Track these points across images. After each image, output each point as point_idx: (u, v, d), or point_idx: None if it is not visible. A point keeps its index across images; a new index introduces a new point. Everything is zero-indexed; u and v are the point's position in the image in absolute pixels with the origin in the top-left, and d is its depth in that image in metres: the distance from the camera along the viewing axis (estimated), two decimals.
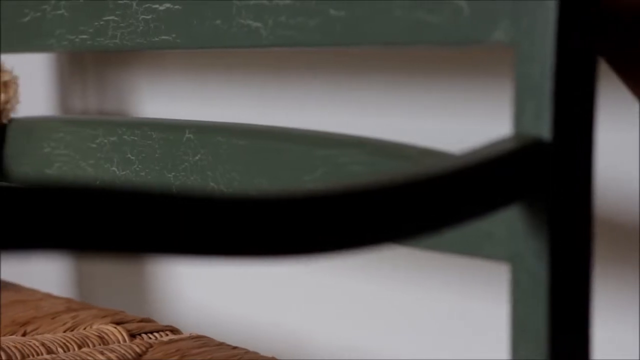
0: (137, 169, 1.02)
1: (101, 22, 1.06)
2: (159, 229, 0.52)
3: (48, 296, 1.16)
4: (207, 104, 1.23)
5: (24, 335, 1.03)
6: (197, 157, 0.95)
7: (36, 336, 1.01)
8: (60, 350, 0.97)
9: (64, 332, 1.03)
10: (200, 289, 1.32)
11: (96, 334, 1.00)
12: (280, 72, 1.14)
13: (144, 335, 1.01)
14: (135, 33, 1.01)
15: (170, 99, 1.26)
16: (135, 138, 1.02)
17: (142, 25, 1.01)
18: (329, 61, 1.05)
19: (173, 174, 0.98)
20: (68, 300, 1.15)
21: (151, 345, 0.96)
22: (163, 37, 0.98)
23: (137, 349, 0.95)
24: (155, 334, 1.01)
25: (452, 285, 1.03)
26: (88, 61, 1.37)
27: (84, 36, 1.09)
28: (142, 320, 1.04)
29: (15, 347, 0.95)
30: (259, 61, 1.18)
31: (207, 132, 0.95)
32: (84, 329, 1.03)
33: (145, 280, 1.36)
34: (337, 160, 0.83)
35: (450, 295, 1.05)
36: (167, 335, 1.01)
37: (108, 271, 1.44)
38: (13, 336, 1.02)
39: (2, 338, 1.01)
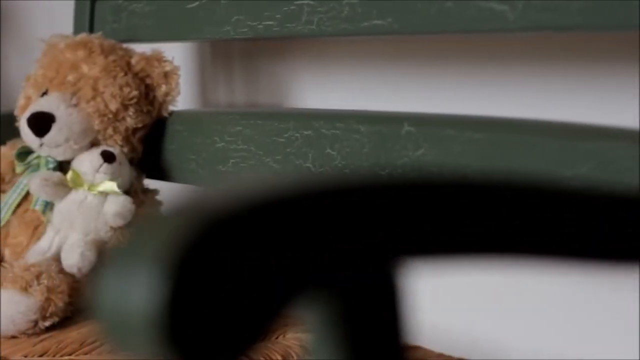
0: (340, 165, 0.94)
1: (292, 7, 0.99)
2: None
3: None
4: (372, 96, 1.15)
5: None
6: (419, 152, 0.88)
7: None
8: None
9: None
10: None
11: (298, 344, 0.93)
12: (465, 60, 1.06)
13: None
14: (338, 18, 0.94)
15: (333, 90, 1.18)
16: (337, 132, 0.95)
17: (347, 10, 0.93)
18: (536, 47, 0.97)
19: (387, 170, 0.90)
20: None
21: None
22: (375, 22, 0.90)
23: None
24: None
25: None
26: (235, 51, 1.29)
27: (270, 22, 1.01)
28: None
29: None
30: (431, 48, 1.10)
31: (432, 125, 0.87)
32: (276, 338, 0.96)
33: None
34: (607, 154, 0.75)
35: None
36: None
37: None
38: None
39: None
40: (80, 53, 1.13)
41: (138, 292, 0.33)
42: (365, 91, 1.15)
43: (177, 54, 1.33)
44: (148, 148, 1.14)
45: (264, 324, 0.35)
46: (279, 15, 1.00)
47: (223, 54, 1.31)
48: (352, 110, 0.98)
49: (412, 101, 1.11)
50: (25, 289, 1.01)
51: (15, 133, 1.19)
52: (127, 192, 1.10)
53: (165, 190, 1.15)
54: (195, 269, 0.33)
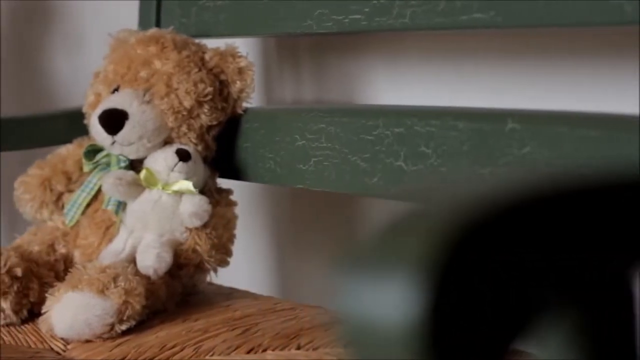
0: (435, 163, 0.91)
1: (382, 0, 0.95)
2: None
3: (298, 305, 1.05)
4: (450, 92, 1.12)
5: (298, 349, 0.92)
6: (524, 150, 0.84)
7: (323, 350, 0.90)
8: None
9: None
10: None
11: None
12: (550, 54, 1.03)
13: None
14: (434, 12, 0.90)
15: (406, 87, 1.15)
16: (433, 129, 0.91)
17: (444, 3, 0.90)
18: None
19: (489, 169, 0.87)
20: (324, 309, 1.03)
21: None
22: (476, 15, 0.87)
23: None
24: None
25: None
26: (301, 46, 1.26)
27: (357, 16, 0.98)
28: None
29: None
30: (504, 44, 1.06)
31: (539, 122, 0.84)
32: None
33: None
34: None
35: None
36: None
37: (310, 269, 1.34)
38: (296, 351, 0.91)
39: (285, 352, 0.91)
40: (152, 48, 1.09)
41: (395, 300, 0.30)
42: (442, 87, 1.12)
43: (241, 50, 1.30)
44: (221, 146, 1.11)
45: (517, 331, 0.32)
46: (367, 9, 0.96)
47: (289, 48, 1.28)
48: (448, 107, 0.95)
49: (495, 97, 1.08)
50: (102, 291, 0.97)
51: (77, 131, 1.16)
52: (201, 191, 1.07)
53: (238, 190, 1.12)
54: (455, 276, 0.30)
